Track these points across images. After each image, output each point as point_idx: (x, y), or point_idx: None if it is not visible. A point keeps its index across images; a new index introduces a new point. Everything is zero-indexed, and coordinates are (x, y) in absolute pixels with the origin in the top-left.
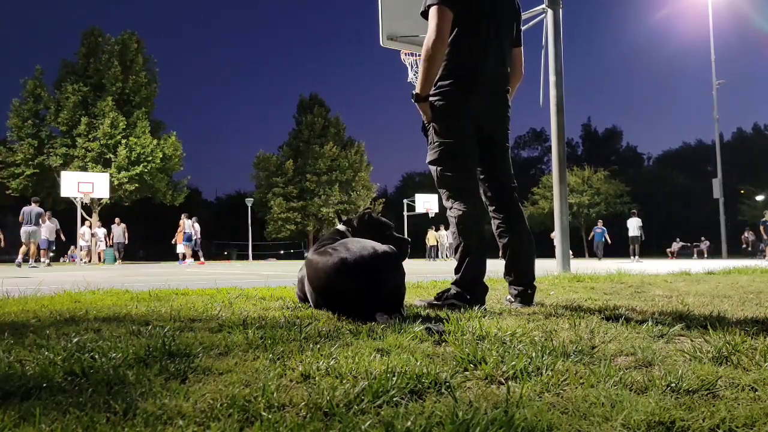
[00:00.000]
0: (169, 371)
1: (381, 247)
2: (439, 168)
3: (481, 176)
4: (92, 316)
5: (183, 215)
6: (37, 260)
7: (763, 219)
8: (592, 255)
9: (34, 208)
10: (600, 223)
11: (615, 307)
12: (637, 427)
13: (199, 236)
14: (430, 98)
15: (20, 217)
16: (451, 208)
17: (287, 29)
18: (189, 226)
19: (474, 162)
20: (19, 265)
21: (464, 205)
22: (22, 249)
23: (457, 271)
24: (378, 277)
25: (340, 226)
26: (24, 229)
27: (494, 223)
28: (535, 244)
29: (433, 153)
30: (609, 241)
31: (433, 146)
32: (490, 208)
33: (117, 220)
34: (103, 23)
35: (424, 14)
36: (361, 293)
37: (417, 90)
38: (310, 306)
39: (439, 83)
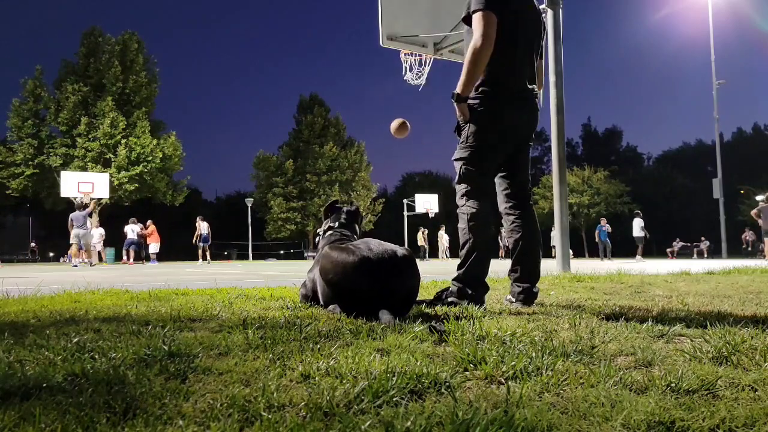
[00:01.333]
0: (169, 371)
1: (401, 251)
2: (464, 165)
3: (503, 173)
4: (92, 316)
5: (198, 218)
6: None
7: (759, 206)
8: (595, 255)
9: (81, 213)
10: (603, 221)
11: (615, 307)
12: (637, 427)
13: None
14: (470, 101)
15: (69, 224)
16: (463, 206)
17: (287, 29)
18: (205, 228)
19: (496, 166)
20: (90, 264)
21: (478, 203)
22: (84, 253)
23: (460, 267)
24: (396, 280)
25: (340, 228)
26: (74, 233)
27: (508, 219)
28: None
29: (463, 151)
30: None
31: (464, 144)
32: (507, 205)
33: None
34: (103, 23)
35: (466, 19)
36: (377, 294)
37: (458, 90)
38: (311, 306)
39: (480, 88)
